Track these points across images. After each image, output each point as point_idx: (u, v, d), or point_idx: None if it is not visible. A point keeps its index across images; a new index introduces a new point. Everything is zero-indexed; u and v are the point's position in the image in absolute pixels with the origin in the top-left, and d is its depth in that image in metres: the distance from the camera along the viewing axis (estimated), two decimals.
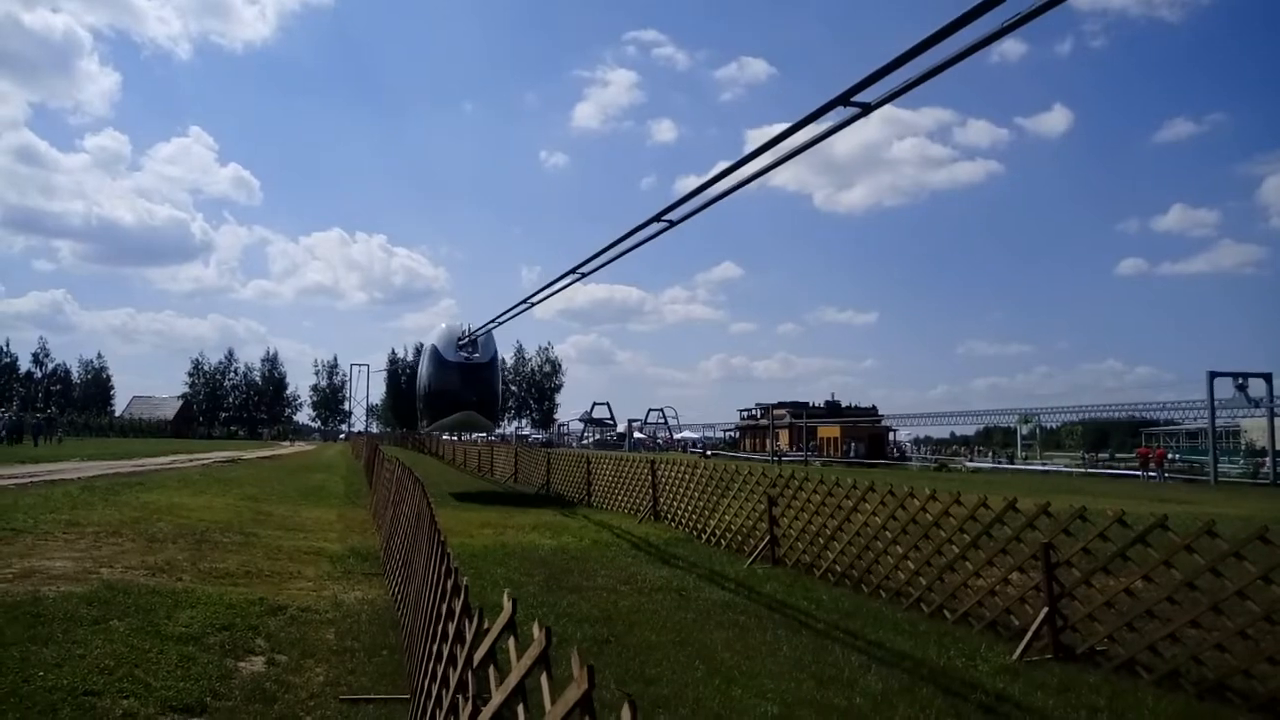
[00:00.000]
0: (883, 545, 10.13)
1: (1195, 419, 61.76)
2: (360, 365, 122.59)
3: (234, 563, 10.96)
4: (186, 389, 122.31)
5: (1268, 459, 52.94)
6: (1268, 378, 48.95)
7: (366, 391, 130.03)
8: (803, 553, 11.79)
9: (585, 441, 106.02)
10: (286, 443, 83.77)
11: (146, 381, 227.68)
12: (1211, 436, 50.37)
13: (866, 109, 5.80)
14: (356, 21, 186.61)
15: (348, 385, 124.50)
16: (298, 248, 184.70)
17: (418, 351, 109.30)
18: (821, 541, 11.37)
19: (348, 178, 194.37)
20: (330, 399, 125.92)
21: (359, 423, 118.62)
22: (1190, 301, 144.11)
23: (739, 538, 13.62)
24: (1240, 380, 49.65)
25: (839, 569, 10.86)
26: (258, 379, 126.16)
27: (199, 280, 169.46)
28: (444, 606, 3.98)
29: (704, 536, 14.80)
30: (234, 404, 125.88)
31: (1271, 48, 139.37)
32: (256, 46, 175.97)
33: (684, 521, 16.11)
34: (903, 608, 9.41)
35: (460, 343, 25.27)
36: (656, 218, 9.33)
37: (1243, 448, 66.64)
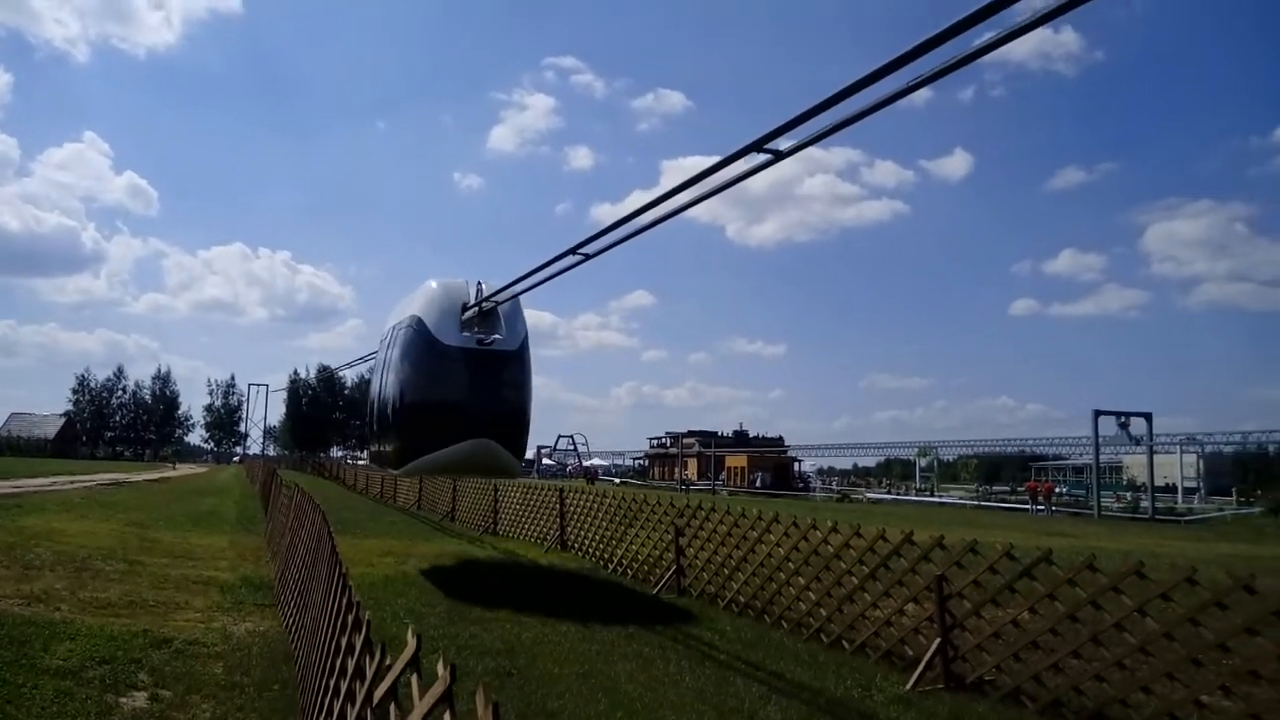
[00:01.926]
0: (785, 576, 10.31)
1: (1081, 455, 64.90)
2: (259, 385, 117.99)
3: (117, 592, 10.45)
4: (70, 406, 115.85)
5: (1134, 494, 56.12)
6: (1148, 417, 51.92)
7: (265, 413, 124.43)
8: (708, 583, 11.89)
9: None
10: (169, 466, 77.88)
11: (27, 396, 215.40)
12: (1095, 472, 53.02)
13: (779, 155, 6.04)
14: (267, 33, 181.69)
15: (245, 406, 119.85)
16: (195, 261, 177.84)
17: (320, 370, 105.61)
18: (726, 572, 11.49)
19: (251, 191, 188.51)
20: (225, 420, 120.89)
21: (255, 445, 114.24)
22: (1078, 342, 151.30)
23: (645, 568, 13.65)
24: (1123, 419, 52.42)
25: (743, 599, 10.99)
26: (147, 397, 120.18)
27: (88, 292, 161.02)
28: (343, 640, 3.90)
29: (610, 566, 14.78)
30: (121, 423, 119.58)
31: (1158, 102, 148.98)
32: (160, 53, 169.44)
33: (591, 551, 16.05)
34: (803, 638, 9.57)
35: (466, 314, 13.21)
36: (573, 250, 9.36)
37: (1124, 483, 70.32)
